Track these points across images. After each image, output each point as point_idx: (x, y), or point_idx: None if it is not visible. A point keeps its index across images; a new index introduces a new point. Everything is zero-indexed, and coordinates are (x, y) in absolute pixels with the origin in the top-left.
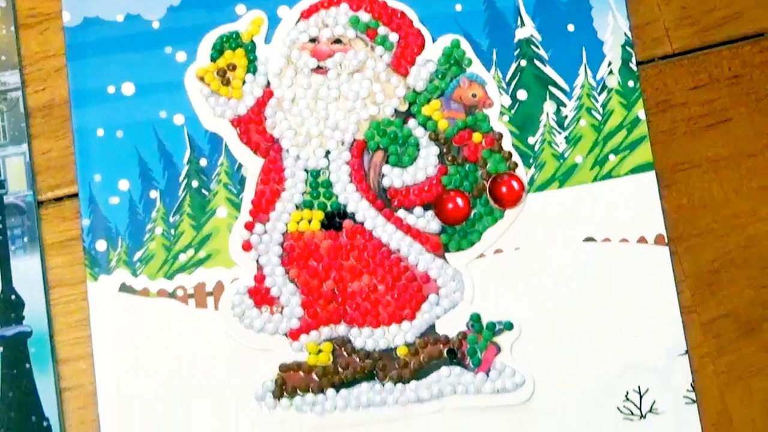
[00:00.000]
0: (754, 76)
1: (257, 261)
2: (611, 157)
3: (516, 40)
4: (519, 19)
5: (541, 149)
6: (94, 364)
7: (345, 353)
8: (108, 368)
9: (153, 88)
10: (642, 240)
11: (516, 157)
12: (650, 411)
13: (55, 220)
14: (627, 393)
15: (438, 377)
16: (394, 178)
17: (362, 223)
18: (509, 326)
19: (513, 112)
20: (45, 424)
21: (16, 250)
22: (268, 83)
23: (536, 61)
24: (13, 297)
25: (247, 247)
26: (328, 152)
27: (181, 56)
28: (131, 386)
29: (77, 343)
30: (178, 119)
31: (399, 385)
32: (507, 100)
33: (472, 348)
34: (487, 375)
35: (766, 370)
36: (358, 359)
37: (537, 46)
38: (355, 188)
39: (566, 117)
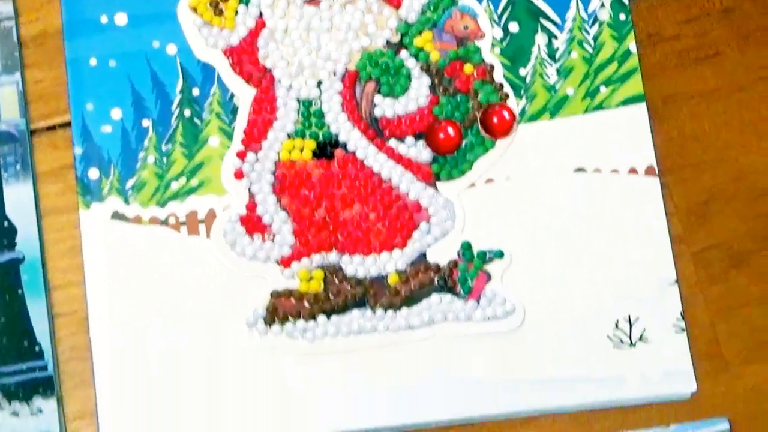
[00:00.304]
0: (745, 9)
1: (249, 189)
2: (602, 89)
3: None
4: None
5: (532, 81)
6: (86, 290)
7: (336, 280)
8: (100, 295)
9: (146, 19)
10: (633, 171)
11: (507, 89)
12: (640, 339)
13: (47, 148)
14: (617, 321)
15: (429, 304)
16: (385, 108)
17: (354, 153)
18: (500, 255)
19: (504, 44)
20: (37, 348)
21: (9, 177)
22: (261, 14)
23: None
24: (5, 224)
25: (239, 175)
26: (320, 83)
27: None
28: (123, 313)
29: (69, 270)
30: (171, 49)
31: (390, 312)
32: (498, 32)
33: (462, 276)
34: (478, 303)
35: (756, 300)
36: (349, 286)
37: None
38: (347, 118)
39: (557, 49)
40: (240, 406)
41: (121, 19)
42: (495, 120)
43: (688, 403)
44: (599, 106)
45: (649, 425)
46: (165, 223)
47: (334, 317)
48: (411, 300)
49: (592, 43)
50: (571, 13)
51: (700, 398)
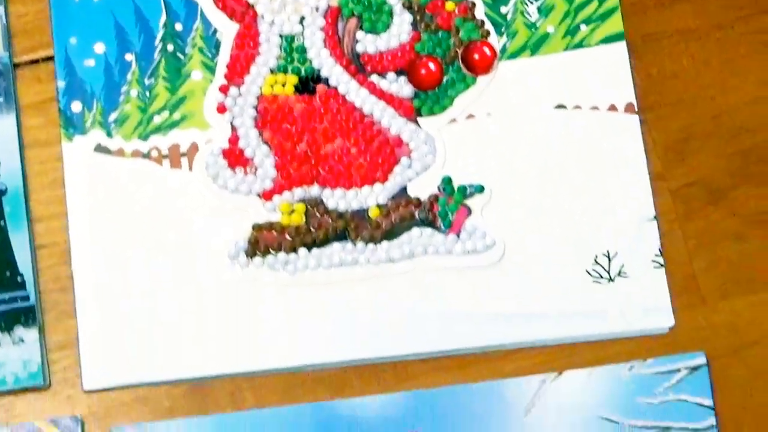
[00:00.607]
0: None
1: (231, 123)
2: (582, 27)
3: None
4: None
5: (513, 18)
6: (68, 222)
7: (318, 213)
8: (82, 227)
9: None
10: (612, 108)
11: (488, 26)
12: (619, 274)
13: (31, 82)
14: (596, 257)
15: (409, 238)
16: (367, 44)
17: (336, 88)
18: (480, 189)
19: None
20: (19, 279)
21: None
22: None
23: None
24: None
25: (221, 109)
26: (302, 18)
27: None
28: (105, 245)
29: (52, 202)
30: None
31: (371, 245)
32: None
33: (443, 210)
34: (458, 236)
35: (733, 236)
36: (330, 220)
37: None
38: (329, 54)
39: None
40: (221, 338)
41: None
42: (476, 57)
43: (666, 338)
44: (579, 44)
45: (627, 359)
46: (147, 156)
47: (315, 250)
48: (392, 233)
49: None
50: None
51: (677, 333)
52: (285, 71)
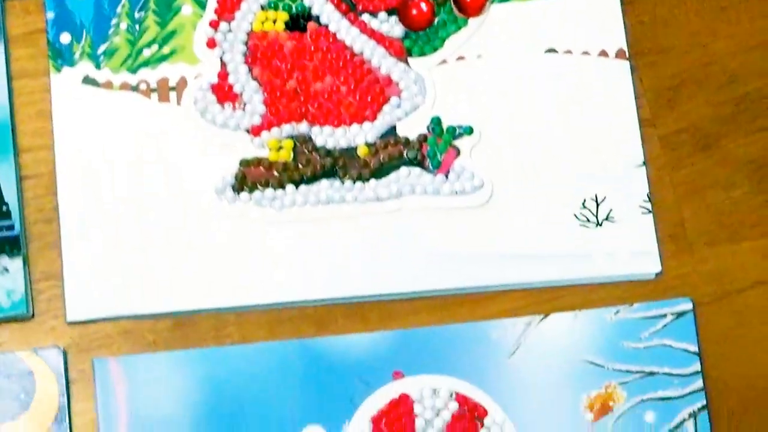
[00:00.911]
0: None
1: (221, 58)
2: None
3: None
4: None
5: None
6: (54, 154)
7: (306, 151)
8: (68, 159)
9: None
10: (603, 54)
11: None
12: (606, 219)
13: (20, 13)
14: (584, 201)
15: (397, 177)
16: None
17: (326, 26)
18: (469, 131)
19: None
20: (4, 208)
21: None
22: None
23: None
24: None
25: (211, 44)
26: None
27: None
28: (91, 177)
29: (38, 134)
30: None
31: (358, 183)
32: None
33: (432, 150)
34: (446, 177)
35: (721, 184)
36: (318, 157)
37: None
38: None
39: None
40: (206, 272)
41: None
42: None
43: (653, 283)
44: None
45: (613, 304)
46: (136, 89)
47: (302, 187)
48: (380, 172)
49: None
50: None
51: (664, 278)
52: (276, 8)
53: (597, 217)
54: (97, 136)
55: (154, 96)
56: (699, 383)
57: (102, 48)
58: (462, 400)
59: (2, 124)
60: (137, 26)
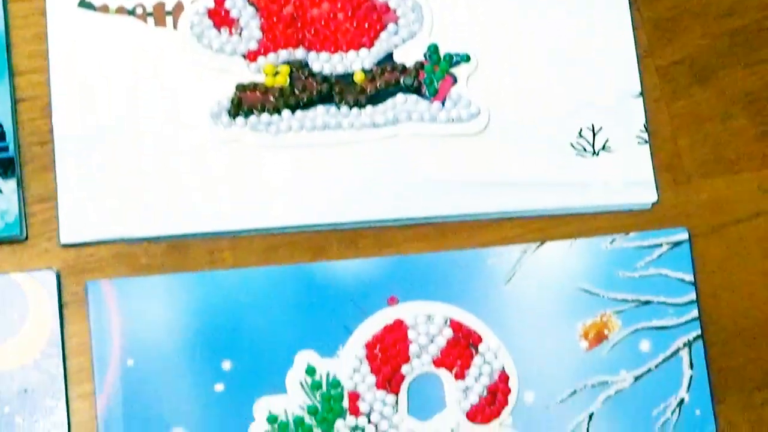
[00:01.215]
0: None
1: None
2: None
3: None
4: None
5: None
6: (49, 77)
7: (302, 76)
8: (63, 82)
9: None
10: None
11: None
12: (603, 149)
13: None
14: (580, 130)
15: (394, 104)
16: None
17: None
18: (466, 58)
19: None
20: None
21: None
22: None
23: None
24: None
25: None
26: None
27: None
28: (86, 100)
29: (34, 56)
30: None
31: (355, 109)
32: None
33: (428, 77)
34: (443, 104)
35: (718, 115)
36: (315, 83)
37: None
38: None
39: None
40: (201, 196)
41: None
42: None
43: (648, 214)
44: None
45: (609, 233)
46: (132, 13)
47: (298, 112)
48: (376, 98)
49: None
50: None
51: (660, 209)
52: None
53: (593, 147)
54: (93, 60)
55: (151, 20)
56: (694, 313)
57: None
58: (456, 326)
59: None
60: None
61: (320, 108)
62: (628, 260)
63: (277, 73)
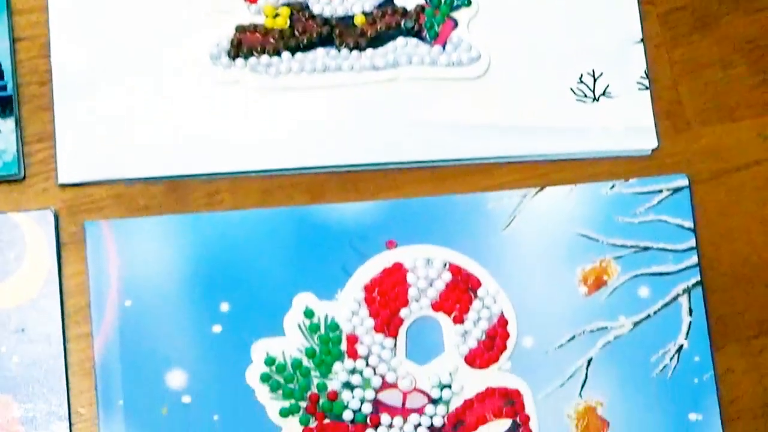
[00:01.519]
0: None
1: None
2: None
3: None
4: None
5: None
6: (48, 16)
7: (302, 18)
8: (62, 21)
9: None
10: None
11: None
12: (603, 94)
13: None
14: (581, 75)
15: (394, 47)
16: None
17: None
18: (467, 2)
19: None
20: None
21: None
22: None
23: None
24: None
25: None
26: None
27: None
28: (85, 40)
29: None
30: None
31: (355, 52)
32: None
33: (429, 21)
34: (443, 48)
35: (719, 63)
36: (315, 25)
37: None
38: None
39: None
40: (199, 138)
41: None
42: None
43: (648, 160)
44: None
45: (609, 179)
46: None
47: (298, 54)
48: (376, 41)
49: None
50: None
51: (660, 155)
52: None
53: (594, 93)
54: (92, 0)
55: None
56: (694, 259)
57: None
58: (455, 270)
59: None
60: None
61: (320, 50)
62: (627, 206)
63: (277, 14)
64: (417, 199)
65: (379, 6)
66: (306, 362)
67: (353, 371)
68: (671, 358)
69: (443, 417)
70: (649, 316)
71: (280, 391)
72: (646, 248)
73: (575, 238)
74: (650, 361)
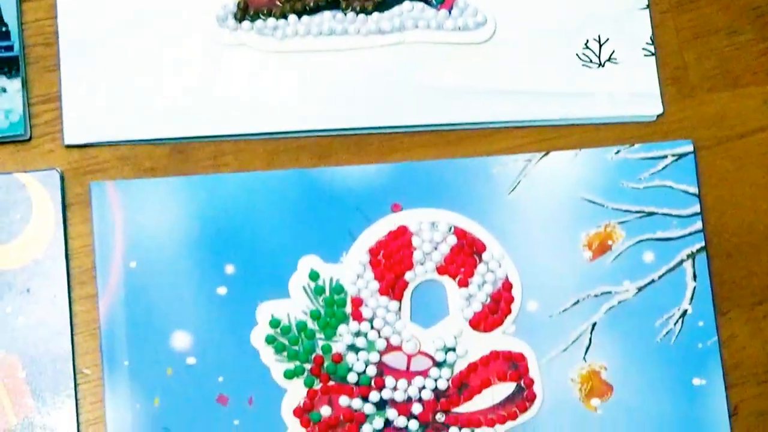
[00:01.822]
0: None
1: None
2: None
3: None
4: None
5: None
6: None
7: None
8: None
9: None
10: None
11: None
12: (609, 60)
13: None
14: (587, 41)
15: (400, 11)
16: None
17: None
18: None
19: None
20: (4, 29)
21: None
22: None
23: None
24: None
25: None
26: None
27: None
28: (91, 2)
29: None
30: None
31: (361, 15)
32: None
33: None
34: (449, 12)
35: (725, 29)
36: None
37: None
38: None
39: None
40: (206, 100)
41: None
42: None
43: (653, 126)
44: None
45: (614, 144)
46: None
47: (305, 17)
48: (383, 5)
49: None
50: None
51: (665, 121)
52: None
53: (599, 58)
54: None
55: None
56: (698, 224)
57: None
58: (461, 234)
59: None
60: None
61: (326, 13)
62: (632, 171)
63: None
64: (422, 163)
65: None
66: (311, 324)
67: (358, 334)
68: (675, 323)
69: (447, 380)
70: (653, 281)
71: (285, 353)
72: (650, 213)
73: (580, 203)
74: (654, 326)
